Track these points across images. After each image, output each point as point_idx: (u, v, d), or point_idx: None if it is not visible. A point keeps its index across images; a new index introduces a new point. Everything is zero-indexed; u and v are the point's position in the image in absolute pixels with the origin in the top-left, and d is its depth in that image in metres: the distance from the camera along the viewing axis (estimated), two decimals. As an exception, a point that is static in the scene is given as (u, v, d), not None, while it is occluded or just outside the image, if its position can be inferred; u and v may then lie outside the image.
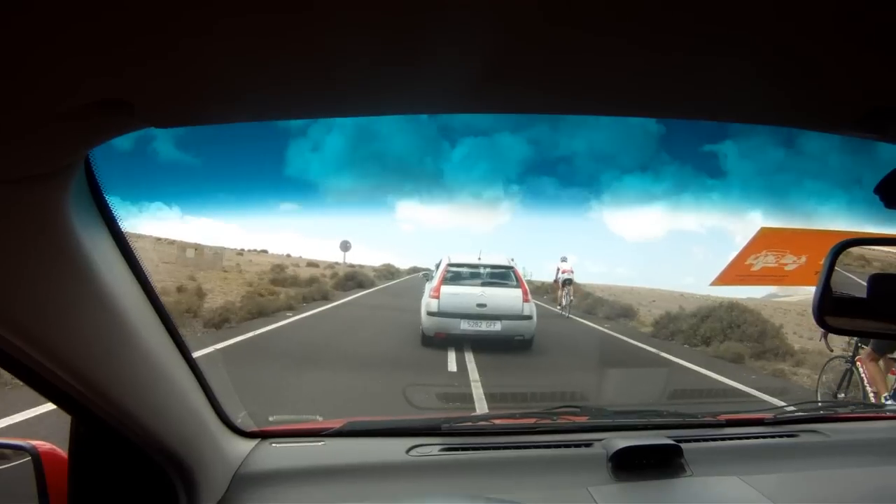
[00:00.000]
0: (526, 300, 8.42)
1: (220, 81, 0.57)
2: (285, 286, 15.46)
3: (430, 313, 8.23)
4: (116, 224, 0.84)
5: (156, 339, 0.99)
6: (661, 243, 28.32)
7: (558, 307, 14.32)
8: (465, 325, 8.09)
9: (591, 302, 16.47)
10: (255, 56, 0.53)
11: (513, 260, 9.17)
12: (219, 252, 20.16)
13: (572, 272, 14.14)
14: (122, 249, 0.87)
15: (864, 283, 0.93)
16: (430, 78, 0.59)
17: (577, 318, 13.58)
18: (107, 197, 0.81)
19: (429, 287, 8.77)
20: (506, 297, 8.38)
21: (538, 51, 0.53)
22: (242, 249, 24.57)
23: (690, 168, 17.44)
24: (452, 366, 7.12)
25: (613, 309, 15.32)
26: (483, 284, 8.75)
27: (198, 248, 18.82)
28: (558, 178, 19.20)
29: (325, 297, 14.50)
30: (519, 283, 8.74)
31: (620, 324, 13.53)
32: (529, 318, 8.32)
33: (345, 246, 20.09)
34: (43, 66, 0.48)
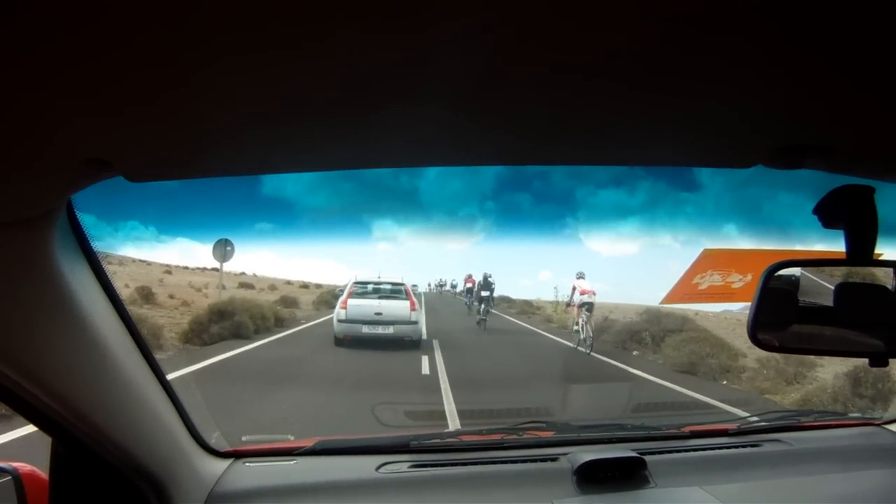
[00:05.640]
0: (413, 309, 10.57)
1: (191, 143, 0.65)
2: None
3: (339, 321, 10.25)
4: (97, 259, 0.91)
5: (132, 365, 1.04)
6: (637, 258, 28.39)
7: (575, 332, 10.89)
8: (366, 329, 10.08)
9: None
10: (230, 114, 0.58)
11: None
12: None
13: (594, 293, 10.88)
14: (102, 282, 0.93)
15: (832, 290, 0.97)
16: (413, 131, 0.66)
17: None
18: (88, 235, 0.88)
19: (339, 301, 10.78)
20: (397, 308, 10.50)
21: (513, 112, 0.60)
22: (171, 267, 20.80)
23: (664, 183, 17.30)
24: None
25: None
26: (380, 298, 10.81)
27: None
28: (533, 194, 19.20)
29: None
30: (408, 297, 10.90)
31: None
32: (416, 323, 10.51)
33: (221, 250, 12.67)
34: (25, 124, 0.55)
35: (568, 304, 11.99)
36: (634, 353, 10.55)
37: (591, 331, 10.47)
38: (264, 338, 10.71)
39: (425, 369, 8.24)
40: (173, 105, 0.55)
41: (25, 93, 0.49)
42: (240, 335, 10.30)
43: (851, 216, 0.81)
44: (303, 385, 6.58)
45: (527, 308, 20.06)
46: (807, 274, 1.05)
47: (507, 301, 21.09)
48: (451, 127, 0.65)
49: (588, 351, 10.17)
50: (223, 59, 0.48)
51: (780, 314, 1.00)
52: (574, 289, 11.23)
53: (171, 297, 14.80)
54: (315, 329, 12.48)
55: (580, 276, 11.30)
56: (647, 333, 11.06)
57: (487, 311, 14.19)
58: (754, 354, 8.73)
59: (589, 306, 10.68)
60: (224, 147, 0.67)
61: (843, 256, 0.83)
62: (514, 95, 0.57)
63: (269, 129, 0.62)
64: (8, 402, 0.90)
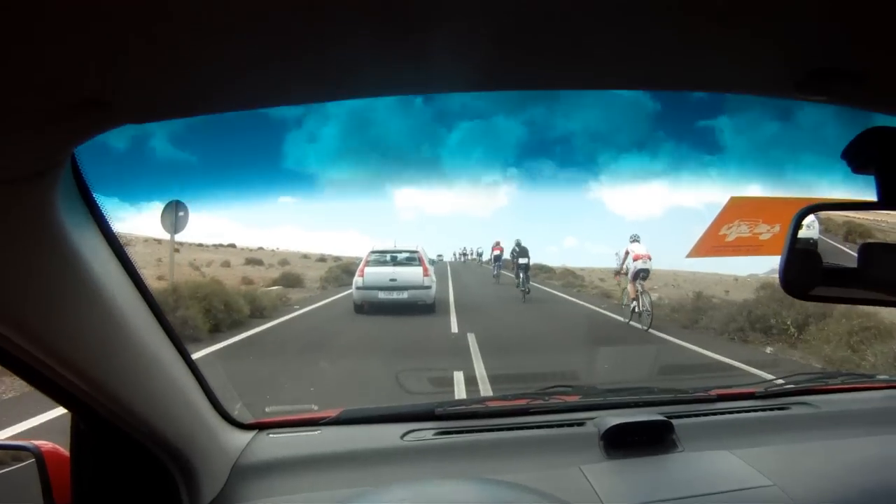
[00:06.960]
0: (426, 275, 11.28)
1: (195, 75, 0.59)
2: None
3: (358, 288, 10.99)
4: (106, 222, 0.85)
5: (149, 334, 1.00)
6: (662, 221, 28.25)
7: (630, 310, 9.49)
8: (382, 295, 10.79)
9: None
10: (233, 47, 0.54)
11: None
12: None
13: (649, 258, 9.59)
14: (113, 247, 0.88)
15: (854, 255, 0.92)
16: (429, 58, 0.61)
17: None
18: (95, 196, 0.82)
19: (357, 270, 11.50)
20: (411, 273, 11.25)
21: (539, 28, 0.55)
22: (183, 245, 19.54)
23: (687, 145, 16.71)
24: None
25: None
26: (395, 265, 11.59)
27: None
28: (556, 159, 19.01)
29: None
30: (421, 263, 11.59)
31: None
32: (429, 287, 11.19)
33: (171, 217, 10.13)
34: (17, 68, 0.49)
35: (617, 273, 10.65)
36: (768, 349, 7.49)
37: (648, 303, 9.06)
38: (224, 339, 7.77)
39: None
40: (166, 33, 0.50)
41: (5, 30, 0.44)
42: (184, 336, 5.70)
43: (882, 159, 0.77)
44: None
45: (573, 280, 18.22)
46: (825, 238, 0.99)
47: (545, 270, 19.93)
48: (468, 48, 0.60)
49: (646, 328, 8.72)
50: None
51: (805, 276, 0.95)
52: (627, 253, 9.90)
53: (160, 278, 12.27)
54: (306, 319, 10.03)
55: (634, 240, 9.97)
56: (784, 318, 7.61)
57: (527, 281, 13.24)
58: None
59: (644, 273, 9.33)
60: (228, 78, 0.62)
61: (874, 201, 0.79)
62: (534, 19, 0.53)
63: (272, 56, 0.58)
64: (24, 376, 0.87)
